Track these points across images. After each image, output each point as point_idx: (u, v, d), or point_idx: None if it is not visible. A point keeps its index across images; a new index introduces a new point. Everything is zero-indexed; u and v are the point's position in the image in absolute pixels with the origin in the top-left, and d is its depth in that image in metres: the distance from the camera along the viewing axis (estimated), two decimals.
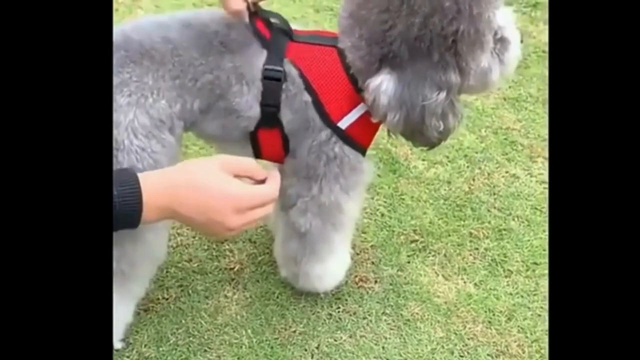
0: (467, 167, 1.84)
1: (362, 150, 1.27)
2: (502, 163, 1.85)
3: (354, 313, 1.48)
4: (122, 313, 1.32)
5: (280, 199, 1.28)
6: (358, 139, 1.25)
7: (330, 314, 1.47)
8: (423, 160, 1.84)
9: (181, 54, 1.17)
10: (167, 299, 1.47)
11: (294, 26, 1.26)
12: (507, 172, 1.83)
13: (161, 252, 1.29)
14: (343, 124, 1.22)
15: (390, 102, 1.13)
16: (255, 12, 1.22)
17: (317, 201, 1.29)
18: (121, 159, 1.13)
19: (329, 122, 1.21)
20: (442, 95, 1.13)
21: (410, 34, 1.10)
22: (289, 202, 1.33)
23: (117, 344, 1.36)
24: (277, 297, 1.49)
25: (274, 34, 1.20)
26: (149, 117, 1.15)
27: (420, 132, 1.17)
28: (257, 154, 1.28)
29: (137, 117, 1.14)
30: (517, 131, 1.96)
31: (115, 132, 1.13)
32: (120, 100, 1.13)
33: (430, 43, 1.10)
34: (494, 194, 1.77)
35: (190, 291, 1.49)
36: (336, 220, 1.34)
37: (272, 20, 1.22)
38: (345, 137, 1.23)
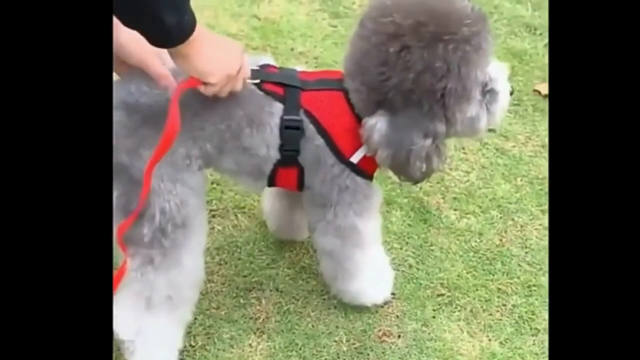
0: (500, 218, 1.82)
1: (371, 177, 1.41)
2: (536, 215, 1.83)
3: None
4: (174, 338, 1.42)
5: (307, 222, 1.52)
6: (367, 169, 1.38)
7: None
8: (455, 210, 1.84)
9: (190, 113, 1.28)
10: (193, 347, 1.51)
11: (299, 68, 1.40)
12: (540, 224, 1.81)
13: (200, 276, 1.42)
14: (355, 158, 1.35)
15: (381, 140, 1.28)
16: (259, 82, 1.33)
17: (334, 225, 1.44)
18: (152, 201, 1.27)
19: (342, 159, 1.35)
20: (428, 141, 1.28)
21: (404, 87, 1.24)
22: (311, 226, 1.50)
23: None
24: (300, 349, 1.51)
25: (287, 89, 1.34)
26: (171, 165, 1.29)
27: (405, 169, 1.32)
28: (271, 184, 1.44)
29: (161, 166, 1.26)
30: None
31: None
32: (144, 153, 1.26)
33: (420, 96, 1.24)
34: (526, 247, 1.75)
35: (216, 339, 1.53)
36: (356, 240, 1.47)
37: (279, 80, 1.34)
38: (356, 169, 1.37)
